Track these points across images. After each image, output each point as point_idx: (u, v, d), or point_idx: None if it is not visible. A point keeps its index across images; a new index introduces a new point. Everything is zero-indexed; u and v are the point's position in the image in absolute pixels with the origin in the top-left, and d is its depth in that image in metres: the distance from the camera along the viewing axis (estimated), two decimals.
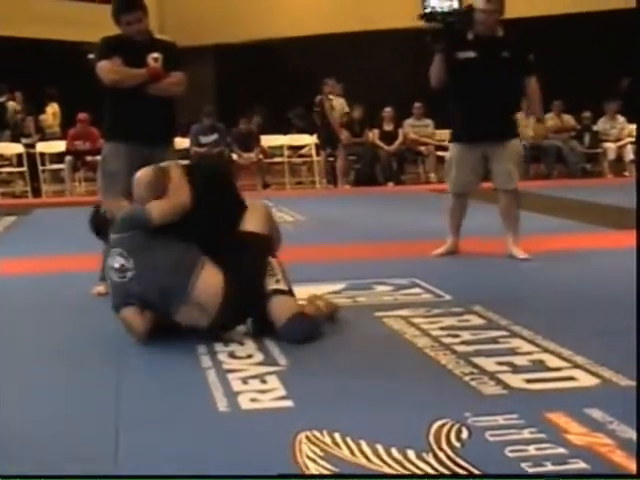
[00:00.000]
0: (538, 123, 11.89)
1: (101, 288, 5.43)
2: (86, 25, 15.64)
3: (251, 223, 4.64)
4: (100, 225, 5.01)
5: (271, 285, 4.46)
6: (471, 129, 6.56)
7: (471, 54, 6.45)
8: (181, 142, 14.94)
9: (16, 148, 14.49)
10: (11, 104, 16.08)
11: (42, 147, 14.42)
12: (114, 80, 5.52)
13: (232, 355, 4.17)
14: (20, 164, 14.33)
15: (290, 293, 4.53)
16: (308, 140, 15.07)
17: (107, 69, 5.53)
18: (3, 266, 6.98)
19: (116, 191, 5.30)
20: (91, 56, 8.14)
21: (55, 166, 14.43)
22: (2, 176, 14.61)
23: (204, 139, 13.93)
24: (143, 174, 4.73)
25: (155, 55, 5.56)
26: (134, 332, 4.42)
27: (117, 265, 4.43)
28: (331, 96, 14.18)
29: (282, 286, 4.48)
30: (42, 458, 2.97)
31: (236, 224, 4.63)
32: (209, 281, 4.35)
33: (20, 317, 5.21)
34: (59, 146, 14.28)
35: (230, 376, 3.82)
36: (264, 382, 3.73)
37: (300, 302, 4.61)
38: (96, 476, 2.82)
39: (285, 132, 15.56)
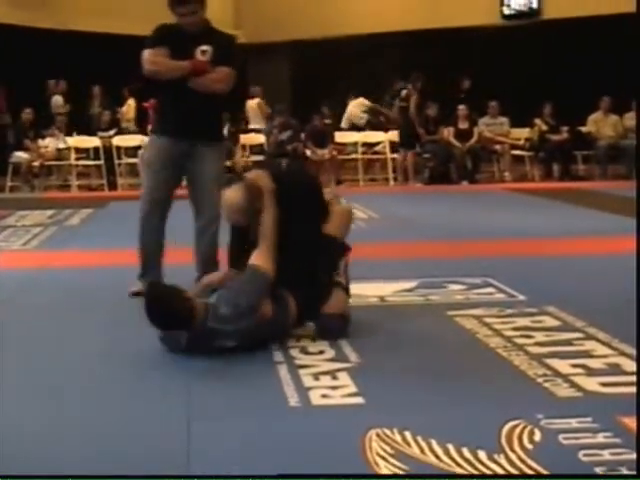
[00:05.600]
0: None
1: None
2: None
3: (333, 227, 4.63)
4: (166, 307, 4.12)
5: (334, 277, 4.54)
6: None
7: None
8: (256, 138, 15.10)
9: (93, 141, 14.69)
10: (57, 98, 16.27)
11: (118, 141, 14.60)
12: (152, 71, 5.32)
13: (304, 351, 4.18)
14: (97, 157, 14.53)
15: (346, 288, 4.59)
16: (382, 137, 15.02)
17: (147, 59, 5.31)
18: (79, 258, 7.08)
19: (156, 184, 5.35)
20: None
21: (131, 160, 14.59)
22: (79, 169, 14.81)
23: (278, 136, 13.93)
24: (234, 198, 4.44)
25: (204, 48, 5.29)
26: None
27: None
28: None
29: (342, 279, 4.56)
30: (118, 455, 2.98)
31: (319, 228, 4.60)
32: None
33: (94, 309, 5.27)
34: (135, 140, 14.43)
35: (302, 372, 3.83)
36: (335, 378, 3.74)
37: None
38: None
39: (359, 129, 15.51)
